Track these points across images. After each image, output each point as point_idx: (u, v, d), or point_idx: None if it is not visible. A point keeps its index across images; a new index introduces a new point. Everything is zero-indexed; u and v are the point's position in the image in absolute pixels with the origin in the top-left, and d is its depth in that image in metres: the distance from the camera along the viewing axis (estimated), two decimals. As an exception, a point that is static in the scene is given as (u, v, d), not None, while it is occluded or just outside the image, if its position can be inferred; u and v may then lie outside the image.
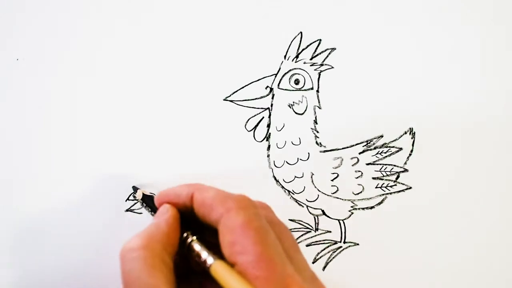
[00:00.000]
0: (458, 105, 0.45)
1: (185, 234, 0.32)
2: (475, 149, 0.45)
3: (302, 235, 0.45)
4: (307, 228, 0.45)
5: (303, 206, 0.45)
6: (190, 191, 0.32)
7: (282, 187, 0.45)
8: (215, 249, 0.30)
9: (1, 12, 0.44)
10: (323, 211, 0.45)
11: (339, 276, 0.45)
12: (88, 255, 0.44)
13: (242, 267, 0.27)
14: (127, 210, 0.44)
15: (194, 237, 0.32)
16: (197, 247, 0.31)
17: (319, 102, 0.45)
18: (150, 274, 0.27)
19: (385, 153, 0.45)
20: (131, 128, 0.44)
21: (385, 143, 0.45)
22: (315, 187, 0.45)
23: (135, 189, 0.42)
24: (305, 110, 0.45)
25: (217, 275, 0.29)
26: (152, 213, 0.39)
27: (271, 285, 0.27)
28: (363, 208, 0.45)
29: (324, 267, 0.45)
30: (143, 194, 0.40)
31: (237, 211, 0.29)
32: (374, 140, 0.45)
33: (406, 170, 0.45)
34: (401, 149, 0.45)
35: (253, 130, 0.45)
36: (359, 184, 0.45)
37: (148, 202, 0.39)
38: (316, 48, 0.45)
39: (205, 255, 0.30)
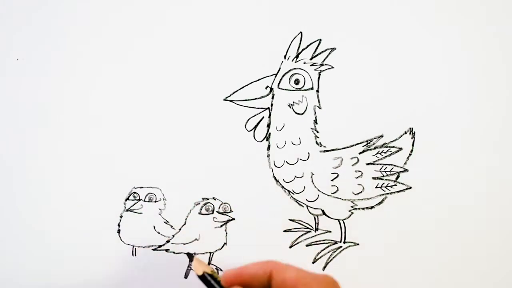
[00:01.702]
0: (458, 105, 0.45)
1: None
2: (475, 149, 0.45)
3: (302, 235, 0.45)
4: (307, 228, 0.45)
5: (303, 206, 0.45)
6: (267, 271, 0.30)
7: (282, 187, 0.45)
8: None
9: (1, 12, 0.44)
10: (323, 211, 0.45)
11: (339, 276, 0.45)
12: (88, 254, 0.44)
13: None
14: (127, 210, 0.44)
15: None
16: None
17: (319, 102, 0.45)
18: None
19: (385, 153, 0.45)
20: (132, 128, 0.44)
21: (385, 143, 0.45)
22: (315, 187, 0.45)
23: (190, 257, 0.38)
24: (305, 110, 0.45)
25: None
26: None
27: None
28: (363, 208, 0.45)
29: (324, 267, 0.45)
30: (205, 273, 0.32)
31: None
32: (374, 140, 0.45)
33: (406, 170, 0.45)
34: (401, 149, 0.45)
35: (253, 130, 0.45)
36: (359, 184, 0.45)
37: (211, 282, 0.32)
38: (316, 48, 0.45)
39: None
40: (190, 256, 0.40)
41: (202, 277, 0.32)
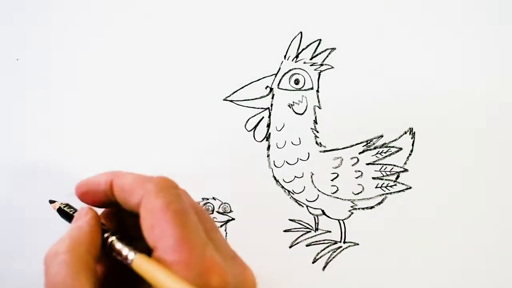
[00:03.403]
0: (458, 105, 0.45)
1: (106, 235, 0.30)
2: (475, 149, 0.45)
3: (302, 235, 0.45)
4: (307, 228, 0.45)
5: (303, 206, 0.45)
6: (109, 178, 0.31)
7: (282, 187, 0.45)
8: (140, 242, 0.29)
9: (1, 12, 0.44)
10: (323, 211, 0.45)
11: (339, 276, 0.45)
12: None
13: (162, 252, 0.27)
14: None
15: (114, 237, 0.30)
16: (118, 245, 0.30)
17: (319, 102, 0.45)
18: (74, 277, 0.26)
19: (385, 153, 0.45)
20: (131, 128, 0.44)
21: (385, 143, 0.45)
22: (315, 187, 0.45)
23: (51, 202, 0.41)
24: (305, 110, 0.45)
25: (140, 270, 0.27)
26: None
27: (191, 269, 0.26)
28: (363, 208, 0.45)
29: (324, 267, 0.45)
30: (59, 207, 0.37)
31: (157, 193, 0.28)
32: (374, 140, 0.45)
33: (406, 170, 0.45)
34: (401, 149, 0.45)
35: (253, 130, 0.45)
36: (359, 184, 0.45)
37: (64, 212, 0.37)
38: (316, 48, 0.45)
39: (126, 251, 0.29)
40: (51, 202, 0.41)
41: (59, 210, 0.36)
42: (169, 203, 0.28)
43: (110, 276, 0.31)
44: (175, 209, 0.27)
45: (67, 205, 0.36)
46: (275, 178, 0.45)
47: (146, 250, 0.28)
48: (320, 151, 0.45)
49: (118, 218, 0.33)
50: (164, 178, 0.30)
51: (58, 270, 0.27)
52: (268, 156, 0.45)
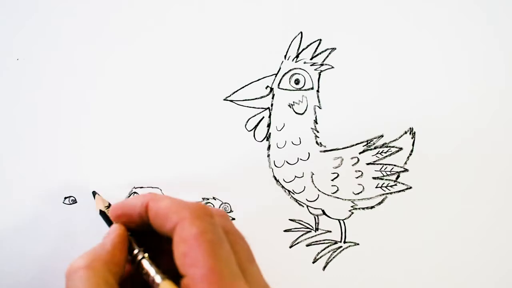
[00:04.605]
0: (458, 105, 0.45)
1: (135, 251, 0.31)
2: (475, 149, 0.45)
3: (302, 235, 0.45)
4: (307, 228, 0.45)
5: (303, 206, 0.45)
6: (145, 202, 0.31)
7: (282, 187, 0.45)
8: (171, 265, 0.29)
9: (1, 12, 0.44)
10: (323, 211, 0.45)
11: (339, 276, 0.45)
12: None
13: (191, 280, 0.27)
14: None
15: (146, 255, 0.31)
16: (146, 265, 0.30)
17: (319, 102, 0.45)
18: None
19: (385, 153, 0.45)
20: (131, 128, 0.44)
21: (385, 143, 0.45)
22: (315, 187, 0.45)
23: (94, 194, 0.41)
24: (305, 110, 0.45)
25: None
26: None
27: None
28: (363, 208, 0.45)
29: (324, 267, 0.45)
30: (100, 210, 0.38)
31: (192, 221, 0.28)
32: (374, 140, 0.45)
33: (406, 170, 0.45)
34: (401, 149, 0.45)
35: (253, 130, 0.45)
36: (359, 184, 0.45)
37: (105, 217, 0.37)
38: (316, 48, 0.45)
39: (153, 273, 0.29)
40: (94, 193, 0.41)
41: (101, 213, 0.36)
42: (204, 232, 0.28)
43: None
44: (208, 239, 0.28)
45: (109, 205, 0.37)
46: (275, 178, 0.45)
47: (173, 274, 0.28)
48: (321, 151, 0.45)
49: (152, 240, 0.32)
50: (201, 205, 0.30)
51: (75, 285, 0.28)
52: (268, 156, 0.45)
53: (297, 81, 0.45)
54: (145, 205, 0.31)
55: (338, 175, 0.45)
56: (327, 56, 0.45)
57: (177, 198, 0.31)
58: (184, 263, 0.27)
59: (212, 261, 0.27)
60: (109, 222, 0.35)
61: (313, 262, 0.45)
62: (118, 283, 0.29)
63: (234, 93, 0.45)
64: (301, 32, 0.45)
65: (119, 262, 0.30)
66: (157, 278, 0.29)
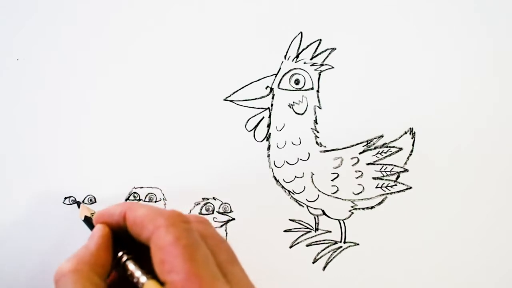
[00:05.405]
0: (458, 105, 0.45)
1: (120, 254, 0.31)
2: (475, 149, 0.45)
3: (302, 235, 0.45)
4: (307, 228, 0.45)
5: (303, 206, 0.45)
6: (123, 210, 0.32)
7: (282, 187, 0.45)
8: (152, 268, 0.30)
9: (1, 12, 0.44)
10: (323, 211, 0.45)
11: (339, 276, 0.45)
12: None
13: (172, 286, 0.27)
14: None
15: (128, 257, 0.31)
16: (131, 266, 0.31)
17: (319, 102, 0.45)
18: None
19: (385, 153, 0.45)
20: (132, 128, 0.44)
21: (385, 143, 0.45)
22: (315, 187, 0.45)
23: (79, 204, 0.42)
24: (305, 110, 0.45)
25: None
26: None
27: None
28: (363, 208, 0.45)
29: (324, 267, 0.45)
30: (85, 216, 0.39)
31: (167, 229, 0.29)
32: (374, 140, 0.45)
33: (406, 170, 0.45)
34: (401, 149, 0.45)
35: (253, 130, 0.45)
36: (359, 184, 0.45)
37: (89, 222, 0.39)
38: (316, 48, 0.45)
39: (138, 274, 0.30)
40: (79, 203, 0.42)
41: (85, 219, 0.38)
42: (179, 238, 0.28)
43: None
44: (184, 244, 0.28)
45: (94, 213, 0.38)
46: (275, 178, 0.45)
47: (160, 281, 0.29)
48: (321, 151, 0.45)
49: (136, 245, 0.33)
50: (176, 212, 0.30)
51: None
52: (268, 156, 0.45)
53: (297, 81, 0.45)
54: (123, 214, 0.32)
55: (338, 175, 0.45)
56: (327, 56, 0.45)
57: (154, 206, 0.31)
58: (163, 270, 0.28)
59: (190, 265, 0.27)
60: (92, 228, 0.35)
61: (313, 262, 0.45)
62: (104, 281, 0.30)
63: (234, 93, 0.45)
64: (301, 32, 0.45)
65: (104, 263, 0.31)
66: (142, 279, 0.29)
